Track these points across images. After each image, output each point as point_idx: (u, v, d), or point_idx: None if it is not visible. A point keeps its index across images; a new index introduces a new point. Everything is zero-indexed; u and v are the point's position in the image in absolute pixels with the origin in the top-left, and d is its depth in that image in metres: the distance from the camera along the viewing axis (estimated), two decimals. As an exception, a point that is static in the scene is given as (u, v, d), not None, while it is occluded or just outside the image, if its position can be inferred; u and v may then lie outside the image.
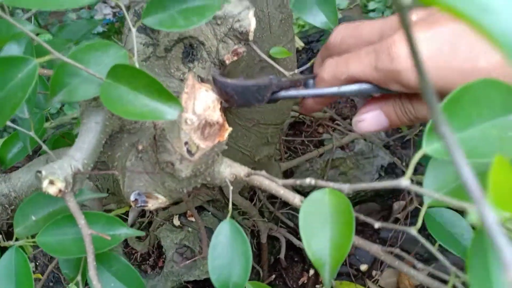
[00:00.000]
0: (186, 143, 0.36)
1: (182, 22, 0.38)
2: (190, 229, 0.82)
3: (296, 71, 0.61)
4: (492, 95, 0.25)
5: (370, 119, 0.38)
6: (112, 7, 1.98)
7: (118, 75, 0.32)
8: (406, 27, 0.12)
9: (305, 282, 0.97)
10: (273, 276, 0.94)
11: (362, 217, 0.35)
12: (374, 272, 1.01)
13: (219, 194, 0.83)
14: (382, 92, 0.36)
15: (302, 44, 1.55)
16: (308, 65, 0.55)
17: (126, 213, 0.89)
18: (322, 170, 0.95)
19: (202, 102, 0.36)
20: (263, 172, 0.38)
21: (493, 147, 0.24)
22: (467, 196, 0.26)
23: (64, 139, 0.59)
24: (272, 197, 0.95)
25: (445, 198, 0.22)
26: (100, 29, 1.59)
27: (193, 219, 0.83)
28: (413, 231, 0.29)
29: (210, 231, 0.83)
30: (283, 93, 0.40)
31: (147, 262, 0.88)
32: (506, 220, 0.22)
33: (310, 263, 1.00)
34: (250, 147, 0.75)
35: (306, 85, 0.41)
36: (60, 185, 0.32)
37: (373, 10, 2.19)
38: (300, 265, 1.00)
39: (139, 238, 0.88)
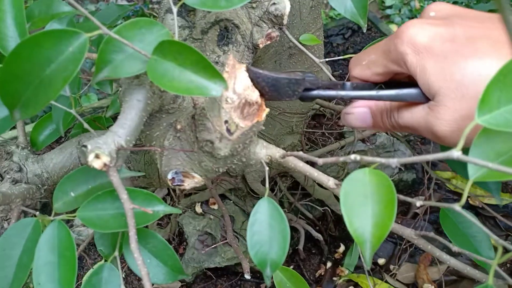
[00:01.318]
0: (226, 121, 0.36)
1: (223, 2, 0.38)
2: (212, 216, 0.83)
3: (327, 59, 0.61)
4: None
5: (357, 114, 0.40)
6: (128, 0, 1.99)
7: (165, 51, 0.33)
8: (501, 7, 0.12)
9: (322, 274, 0.97)
10: (291, 267, 0.95)
11: (402, 196, 0.35)
12: (391, 267, 1.00)
13: (241, 183, 0.83)
14: (417, 99, 0.37)
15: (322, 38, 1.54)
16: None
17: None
18: (343, 163, 0.95)
19: (242, 82, 0.37)
20: (300, 153, 0.38)
21: None
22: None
23: (94, 122, 0.60)
24: (292, 188, 0.95)
25: (499, 167, 0.22)
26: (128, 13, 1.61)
27: (215, 206, 0.84)
28: (457, 207, 0.29)
29: (231, 219, 0.84)
30: (320, 92, 0.39)
31: (168, 249, 0.89)
32: None
33: (327, 255, 1.00)
34: (275, 136, 0.76)
35: (343, 87, 0.40)
36: (105, 159, 0.33)
37: (390, 7, 2.17)
38: (318, 257, 1.00)
39: (160, 224, 0.89)
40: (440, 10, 0.37)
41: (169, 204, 0.91)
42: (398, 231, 0.40)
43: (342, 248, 1.01)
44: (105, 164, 0.33)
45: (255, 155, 0.41)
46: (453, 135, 0.33)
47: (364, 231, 0.31)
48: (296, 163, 0.42)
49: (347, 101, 0.42)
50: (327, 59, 0.60)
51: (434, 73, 0.33)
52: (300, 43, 0.59)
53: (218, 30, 0.47)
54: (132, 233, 0.34)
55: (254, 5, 0.47)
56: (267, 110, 0.39)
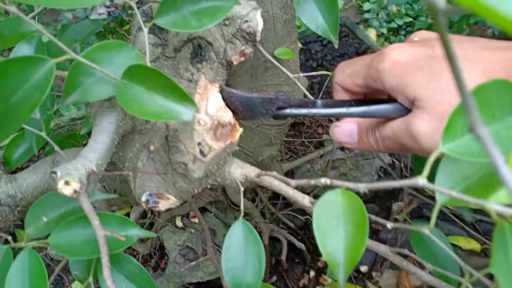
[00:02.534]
0: (199, 143, 0.36)
1: (194, 23, 0.38)
2: (193, 230, 0.82)
3: (301, 74, 0.61)
4: (503, 96, 0.25)
5: (344, 128, 0.42)
6: (107, 7, 1.97)
7: (134, 75, 0.32)
8: (441, 31, 0.13)
9: (306, 284, 0.97)
10: (274, 277, 0.95)
11: (373, 217, 0.35)
12: (374, 274, 1.01)
13: (222, 195, 0.83)
14: (391, 115, 0.38)
15: (300, 45, 1.55)
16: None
17: (127, 214, 0.89)
18: (323, 171, 0.96)
19: (214, 103, 0.37)
20: (274, 173, 0.38)
21: (504, 147, 0.24)
22: (481, 194, 0.26)
23: (69, 139, 0.59)
24: (274, 198, 0.95)
25: (462, 196, 0.22)
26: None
27: (195, 220, 0.83)
28: (426, 230, 0.29)
29: (212, 232, 0.83)
30: (293, 111, 0.40)
31: (149, 263, 0.88)
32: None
33: (310, 264, 1.00)
34: (253, 148, 0.75)
35: (314, 105, 0.41)
36: (75, 185, 0.32)
37: (368, 11, 2.20)
38: (301, 267, 1.00)
39: (141, 239, 0.88)
40: (423, 35, 0.40)
41: (149, 218, 0.90)
42: (374, 248, 0.41)
43: (324, 256, 1.01)
44: (75, 191, 0.32)
45: (230, 175, 0.41)
46: (432, 134, 0.34)
47: (337, 255, 0.31)
48: (271, 181, 0.42)
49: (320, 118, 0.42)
50: (303, 74, 0.60)
51: (411, 83, 0.35)
52: (275, 57, 0.59)
53: (191, 48, 0.47)
54: (105, 261, 0.33)
55: (227, 22, 0.47)
56: (241, 130, 0.39)
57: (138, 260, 0.87)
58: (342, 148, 1.00)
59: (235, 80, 0.66)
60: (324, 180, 0.30)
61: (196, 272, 0.79)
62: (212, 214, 0.85)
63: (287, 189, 0.42)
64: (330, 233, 0.32)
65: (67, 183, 0.32)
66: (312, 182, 0.32)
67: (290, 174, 0.98)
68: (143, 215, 0.88)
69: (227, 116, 0.37)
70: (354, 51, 1.55)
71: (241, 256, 0.35)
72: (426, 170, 0.24)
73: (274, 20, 0.61)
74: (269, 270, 0.93)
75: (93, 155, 0.35)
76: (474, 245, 1.00)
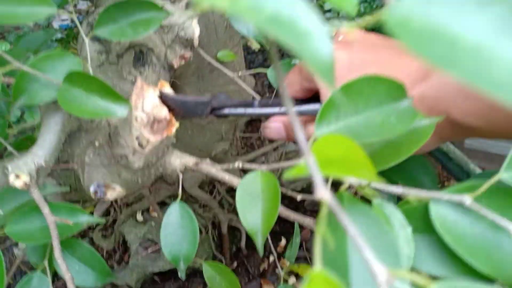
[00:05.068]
0: (137, 137, 0.41)
1: (130, 32, 0.43)
2: (153, 223, 0.87)
3: (246, 72, 0.67)
4: (378, 87, 0.31)
5: (273, 128, 0.46)
6: (70, 12, 1.97)
7: (73, 80, 0.37)
8: (274, 58, 0.18)
9: (265, 268, 1.04)
10: (235, 263, 1.00)
11: (290, 192, 0.41)
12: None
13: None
14: (315, 114, 0.43)
15: (258, 46, 1.61)
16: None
17: (91, 213, 0.92)
18: (277, 163, 1.02)
19: (150, 101, 0.42)
20: (207, 161, 0.44)
21: (375, 131, 0.30)
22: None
23: (26, 142, 0.62)
24: (232, 190, 1.01)
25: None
26: (58, 35, 1.60)
27: (155, 214, 0.88)
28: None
29: (172, 225, 0.88)
30: (232, 110, 0.45)
31: (113, 258, 0.92)
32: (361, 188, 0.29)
33: (270, 250, 1.06)
34: (206, 143, 0.81)
35: (252, 105, 0.46)
36: (25, 178, 0.37)
37: (329, 11, 2.28)
38: (261, 253, 1.07)
39: (104, 235, 0.92)
40: (346, 35, 0.44)
41: (112, 215, 0.94)
42: (299, 220, 0.47)
43: (283, 242, 1.08)
44: (25, 183, 0.37)
45: (171, 165, 0.46)
46: None
47: (256, 224, 0.37)
48: (209, 169, 0.47)
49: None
50: (244, 73, 0.66)
51: (323, 84, 0.40)
52: (218, 59, 0.65)
53: (133, 54, 0.52)
54: (55, 243, 0.38)
55: (166, 29, 0.52)
56: (177, 124, 0.44)
57: (102, 255, 0.91)
58: (295, 141, 1.06)
59: (183, 81, 0.72)
60: (237, 163, 0.36)
61: (158, 262, 0.84)
62: (172, 207, 0.90)
63: (223, 174, 0.47)
64: (250, 207, 0.37)
65: (17, 177, 0.37)
66: (230, 166, 0.38)
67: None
68: (107, 212, 0.92)
69: (163, 112, 0.42)
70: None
71: (178, 232, 0.40)
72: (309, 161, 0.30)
73: (216, 26, 0.66)
74: (230, 257, 0.99)
75: (41, 151, 0.39)
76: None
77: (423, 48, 0.13)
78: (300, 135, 0.18)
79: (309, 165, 0.17)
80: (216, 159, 0.85)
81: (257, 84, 1.34)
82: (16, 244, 1.00)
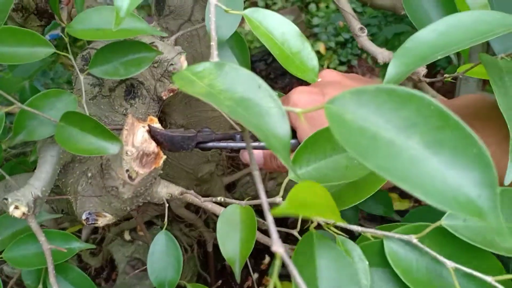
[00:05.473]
0: (127, 170, 0.45)
1: (122, 71, 0.47)
2: (140, 242, 0.90)
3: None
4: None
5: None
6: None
7: (69, 119, 0.41)
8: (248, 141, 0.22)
9: (250, 285, 1.07)
10: (220, 281, 1.03)
11: (261, 220, 0.45)
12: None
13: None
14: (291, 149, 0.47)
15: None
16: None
17: (79, 231, 0.95)
18: (261, 182, 1.05)
19: (140, 137, 0.45)
20: (191, 191, 0.47)
21: (341, 173, 0.34)
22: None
23: (20, 165, 0.66)
24: (217, 209, 1.04)
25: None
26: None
27: (142, 233, 0.91)
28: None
29: (159, 243, 0.91)
30: (215, 144, 0.48)
31: (101, 276, 0.94)
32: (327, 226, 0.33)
33: (254, 267, 1.10)
34: (193, 166, 0.84)
35: (234, 139, 0.50)
36: (23, 209, 0.40)
37: (317, 25, 2.34)
38: (245, 270, 1.10)
39: (92, 253, 0.95)
40: (324, 77, 0.47)
41: (100, 233, 0.97)
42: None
43: (267, 259, 1.11)
44: (23, 213, 0.40)
45: (157, 194, 0.50)
46: None
47: (234, 253, 0.40)
48: (193, 198, 0.51)
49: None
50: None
51: (298, 126, 0.43)
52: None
53: (125, 87, 0.55)
54: (50, 269, 0.41)
55: (155, 65, 0.56)
56: (164, 157, 0.48)
57: (90, 273, 0.93)
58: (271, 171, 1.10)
59: (172, 108, 0.75)
60: (220, 198, 0.40)
61: (145, 281, 0.87)
62: (159, 227, 0.93)
63: (206, 203, 0.51)
64: (229, 236, 0.41)
65: (16, 207, 0.40)
66: (214, 199, 0.41)
67: (231, 186, 1.08)
68: (95, 231, 0.95)
69: (151, 147, 0.46)
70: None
71: (164, 259, 0.44)
72: (281, 192, 0.34)
73: (203, 57, 0.70)
74: (215, 275, 1.02)
75: (38, 183, 0.43)
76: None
77: (348, 140, 0.18)
78: (256, 174, 0.22)
79: (268, 222, 0.21)
80: (203, 180, 0.89)
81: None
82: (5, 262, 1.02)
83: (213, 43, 0.25)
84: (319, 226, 0.35)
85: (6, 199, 0.40)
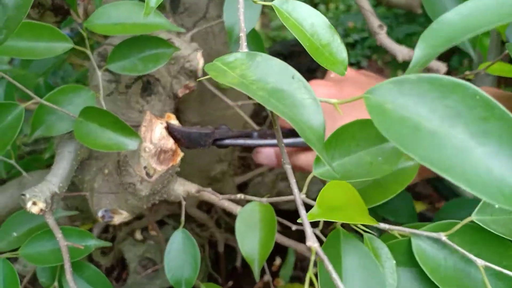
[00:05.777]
0: (145, 167, 0.44)
1: (140, 67, 0.46)
2: (152, 242, 0.89)
3: (240, 103, 0.71)
4: (368, 130, 0.35)
5: (265, 154, 0.50)
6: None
7: (88, 114, 0.40)
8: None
9: (260, 287, 1.06)
10: (231, 282, 1.02)
11: (285, 221, 0.44)
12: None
13: (178, 209, 0.90)
14: (303, 146, 0.46)
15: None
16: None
17: (90, 229, 0.95)
18: (273, 183, 1.05)
19: (157, 133, 0.45)
20: (209, 189, 0.47)
21: (365, 170, 0.34)
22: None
23: (34, 163, 0.65)
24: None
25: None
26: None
27: (154, 232, 0.90)
28: (319, 250, 0.38)
29: (170, 243, 0.90)
30: (232, 141, 0.48)
31: (112, 275, 0.94)
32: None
33: (265, 270, 1.09)
34: (206, 165, 0.84)
35: (251, 136, 0.49)
36: (41, 205, 0.40)
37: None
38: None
39: (103, 252, 0.94)
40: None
41: (111, 232, 0.97)
42: (293, 246, 0.50)
43: (278, 260, 1.10)
44: (41, 210, 0.40)
45: (174, 192, 0.49)
46: None
47: (253, 252, 0.40)
48: (210, 196, 0.50)
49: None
50: (242, 102, 0.69)
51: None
52: (219, 86, 0.69)
53: (141, 84, 0.55)
54: (67, 266, 0.41)
55: (172, 61, 0.56)
56: (182, 154, 0.47)
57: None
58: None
59: (186, 106, 0.75)
60: (240, 195, 0.39)
61: (156, 281, 0.86)
62: (171, 226, 0.92)
63: (223, 201, 0.50)
64: (248, 235, 0.40)
65: (34, 203, 0.40)
66: (232, 197, 0.41)
67: (243, 186, 1.07)
68: (106, 229, 0.95)
69: (169, 143, 0.45)
70: (305, 68, 1.66)
71: (181, 257, 0.43)
72: (305, 188, 0.33)
73: (218, 54, 0.70)
74: (226, 276, 1.01)
75: (56, 179, 0.42)
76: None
77: (390, 130, 0.17)
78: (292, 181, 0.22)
79: (302, 217, 0.20)
80: (215, 179, 0.88)
81: (259, 113, 1.38)
82: (16, 260, 1.02)
83: (242, 34, 0.25)
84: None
85: (24, 194, 0.40)
